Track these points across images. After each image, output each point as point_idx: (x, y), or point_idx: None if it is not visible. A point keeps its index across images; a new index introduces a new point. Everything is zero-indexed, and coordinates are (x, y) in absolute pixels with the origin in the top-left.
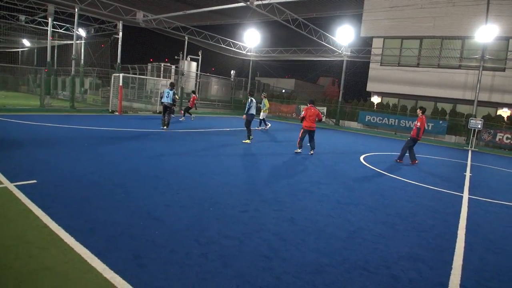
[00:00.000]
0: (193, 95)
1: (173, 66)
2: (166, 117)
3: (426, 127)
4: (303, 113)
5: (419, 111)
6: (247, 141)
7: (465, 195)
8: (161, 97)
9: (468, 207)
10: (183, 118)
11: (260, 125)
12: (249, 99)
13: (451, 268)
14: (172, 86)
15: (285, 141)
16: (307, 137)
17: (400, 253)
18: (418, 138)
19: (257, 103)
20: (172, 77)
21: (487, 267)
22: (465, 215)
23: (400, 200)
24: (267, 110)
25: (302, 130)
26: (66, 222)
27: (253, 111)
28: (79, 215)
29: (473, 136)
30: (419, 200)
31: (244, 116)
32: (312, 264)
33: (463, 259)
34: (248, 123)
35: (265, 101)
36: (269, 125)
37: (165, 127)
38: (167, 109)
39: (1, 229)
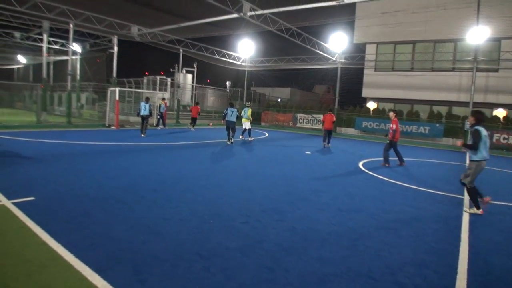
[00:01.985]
0: (197, 105)
1: (169, 79)
2: (144, 125)
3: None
4: (322, 118)
5: (392, 114)
6: (227, 142)
7: (466, 197)
8: (139, 111)
9: None
10: (193, 129)
11: (249, 135)
12: (226, 108)
13: (456, 272)
14: (147, 100)
15: (282, 150)
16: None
17: (404, 259)
18: (395, 139)
19: (237, 110)
20: (168, 89)
21: (492, 269)
22: (467, 217)
23: (400, 205)
24: (248, 120)
25: (323, 131)
26: (65, 238)
27: (229, 117)
28: (78, 231)
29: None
30: (419, 204)
31: (223, 121)
32: (315, 274)
33: (468, 262)
34: (227, 128)
35: (246, 110)
36: (241, 137)
37: (143, 135)
38: (145, 120)
39: None
